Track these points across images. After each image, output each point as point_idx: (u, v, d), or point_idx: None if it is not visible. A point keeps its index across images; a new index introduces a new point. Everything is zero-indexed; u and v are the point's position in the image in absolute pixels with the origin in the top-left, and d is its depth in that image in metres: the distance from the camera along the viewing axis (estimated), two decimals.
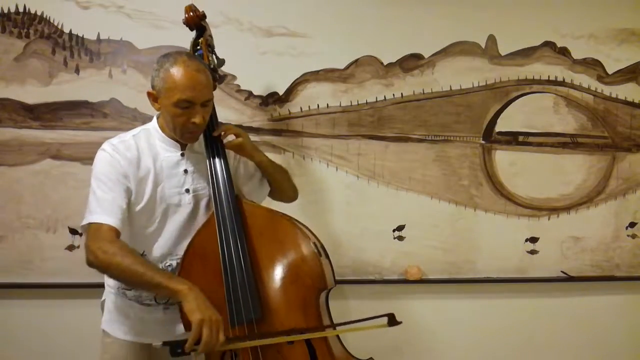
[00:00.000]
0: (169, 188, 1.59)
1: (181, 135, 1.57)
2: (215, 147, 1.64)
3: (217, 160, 1.63)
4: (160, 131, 1.61)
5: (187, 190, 1.61)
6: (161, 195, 1.58)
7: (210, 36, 1.84)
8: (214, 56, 1.83)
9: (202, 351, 1.32)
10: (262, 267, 1.54)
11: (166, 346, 1.34)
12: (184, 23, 1.81)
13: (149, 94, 1.55)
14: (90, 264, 1.43)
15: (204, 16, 1.81)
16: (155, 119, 1.64)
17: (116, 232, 1.45)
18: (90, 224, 1.46)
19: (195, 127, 1.53)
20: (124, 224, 1.49)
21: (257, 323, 1.49)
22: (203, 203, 1.64)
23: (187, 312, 1.32)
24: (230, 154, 1.71)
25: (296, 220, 1.63)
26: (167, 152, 1.60)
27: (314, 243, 1.56)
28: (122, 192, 1.51)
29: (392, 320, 1.51)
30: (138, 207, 1.56)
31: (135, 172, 1.54)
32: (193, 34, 1.84)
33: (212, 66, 1.79)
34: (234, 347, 1.44)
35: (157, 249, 1.60)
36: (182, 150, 1.61)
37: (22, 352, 2.21)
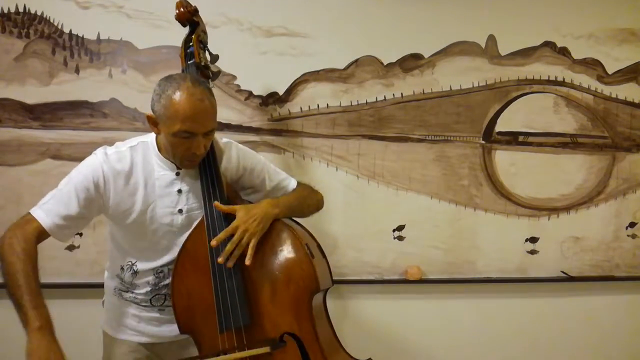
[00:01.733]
0: (161, 208, 1.53)
1: (180, 163, 1.51)
2: (207, 161, 1.55)
3: (207, 169, 1.55)
4: (157, 149, 1.54)
5: (180, 211, 1.54)
6: (152, 215, 1.52)
7: (204, 32, 1.79)
8: (206, 53, 1.78)
9: None
10: (252, 270, 1.49)
11: None
12: (176, 19, 1.76)
13: (148, 117, 1.47)
14: None
15: (195, 11, 1.76)
16: (154, 134, 1.56)
17: (40, 235, 1.42)
18: (30, 212, 1.44)
19: (195, 157, 1.47)
20: (60, 230, 1.45)
21: (247, 329, 1.46)
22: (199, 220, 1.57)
23: (27, 352, 1.30)
24: (231, 166, 1.64)
25: (290, 220, 1.59)
26: (162, 170, 1.53)
27: (306, 244, 1.51)
28: (83, 202, 1.45)
29: (275, 346, 1.45)
30: (125, 222, 1.52)
31: (121, 186, 1.49)
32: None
33: (203, 63, 1.73)
34: None
35: (149, 263, 1.57)
36: (178, 169, 1.54)
37: (22, 352, 2.20)
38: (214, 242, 1.45)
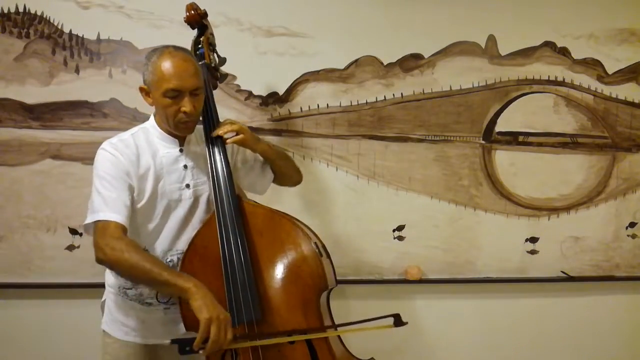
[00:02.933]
0: (170, 184, 1.60)
1: (175, 127, 1.57)
2: (215, 145, 1.65)
3: (217, 158, 1.63)
4: (157, 128, 1.62)
5: (188, 186, 1.62)
6: (162, 192, 1.59)
7: (212, 34, 1.83)
8: (215, 55, 1.82)
9: (210, 350, 1.30)
10: (263, 267, 1.54)
11: (175, 344, 1.34)
12: (185, 21, 1.80)
13: (141, 89, 1.57)
14: (99, 261, 1.43)
15: (205, 15, 1.80)
16: (152, 116, 1.65)
17: (123, 229, 1.46)
18: (97, 221, 1.46)
19: (187, 117, 1.53)
20: (129, 221, 1.50)
21: (257, 323, 1.49)
22: (203, 198, 1.65)
23: (195, 309, 1.30)
24: (229, 147, 1.70)
25: (297, 220, 1.63)
26: (166, 148, 1.61)
27: (315, 243, 1.56)
28: (126, 190, 1.51)
29: (398, 321, 1.51)
30: (140, 205, 1.56)
31: (136, 169, 1.55)
32: (193, 33, 1.83)
33: (213, 65, 1.78)
34: (242, 346, 1.43)
35: (159, 245, 1.60)
36: (180, 146, 1.62)
37: (22, 352, 2.21)
38: (214, 133, 1.63)
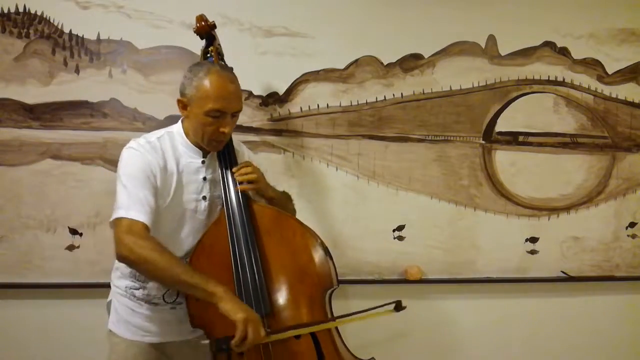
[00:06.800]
0: (187, 194, 1.61)
1: (208, 143, 1.58)
2: (226, 152, 1.66)
3: (228, 162, 1.65)
4: (184, 136, 1.62)
5: (204, 198, 1.63)
6: (178, 201, 1.59)
7: (220, 45, 1.87)
8: (223, 64, 1.83)
9: (248, 347, 1.36)
10: (271, 265, 1.57)
11: (209, 342, 1.40)
12: (195, 32, 1.85)
13: (178, 101, 1.58)
14: (123, 257, 1.42)
15: (214, 26, 1.85)
16: (180, 123, 1.65)
17: (148, 230, 1.45)
18: (122, 218, 1.45)
19: (223, 137, 1.57)
20: (153, 223, 1.49)
21: (266, 319, 1.50)
22: (219, 209, 1.65)
23: (229, 311, 1.34)
24: (243, 158, 1.72)
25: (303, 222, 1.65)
26: (189, 157, 1.62)
27: (321, 243, 1.60)
28: (152, 190, 1.51)
29: (399, 306, 1.56)
30: (160, 209, 1.55)
31: (162, 173, 1.55)
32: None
33: None
34: (272, 340, 1.45)
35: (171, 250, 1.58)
36: (203, 157, 1.63)
37: (22, 352, 2.21)
38: (235, 171, 1.61)
